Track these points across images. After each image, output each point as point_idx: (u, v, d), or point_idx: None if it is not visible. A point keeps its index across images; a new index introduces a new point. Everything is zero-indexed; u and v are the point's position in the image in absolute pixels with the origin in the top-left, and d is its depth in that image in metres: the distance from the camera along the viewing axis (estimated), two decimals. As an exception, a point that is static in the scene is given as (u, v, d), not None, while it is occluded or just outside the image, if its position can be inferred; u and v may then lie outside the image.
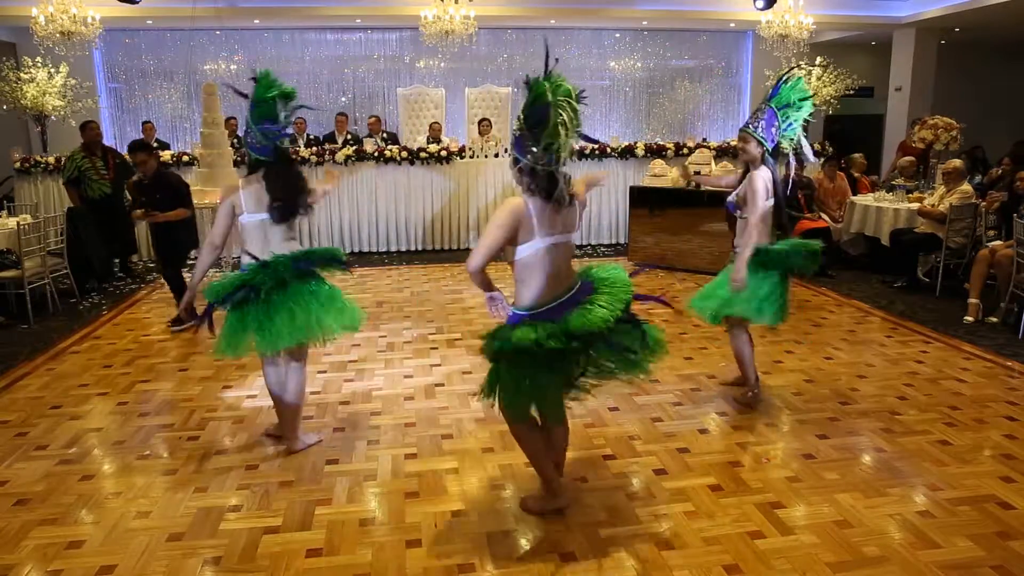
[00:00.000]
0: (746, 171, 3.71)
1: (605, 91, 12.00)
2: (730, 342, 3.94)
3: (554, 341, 2.45)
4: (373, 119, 9.86)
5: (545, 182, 2.48)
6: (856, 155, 8.91)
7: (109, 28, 9.36)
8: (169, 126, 11.17)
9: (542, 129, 2.39)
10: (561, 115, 2.37)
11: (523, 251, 2.52)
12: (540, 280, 2.54)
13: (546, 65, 2.44)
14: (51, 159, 8.49)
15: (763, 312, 3.64)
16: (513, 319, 2.58)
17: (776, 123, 3.59)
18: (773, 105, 3.59)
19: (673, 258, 7.55)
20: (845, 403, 3.98)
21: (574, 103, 2.42)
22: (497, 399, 2.65)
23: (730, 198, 3.75)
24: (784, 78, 3.62)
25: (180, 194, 5.50)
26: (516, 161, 2.51)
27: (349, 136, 9.60)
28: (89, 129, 7.20)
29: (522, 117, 2.45)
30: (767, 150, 3.60)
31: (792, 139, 3.66)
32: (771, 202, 3.64)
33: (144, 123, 9.50)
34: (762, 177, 3.59)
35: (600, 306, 2.52)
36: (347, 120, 9.82)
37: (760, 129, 3.58)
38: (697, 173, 3.86)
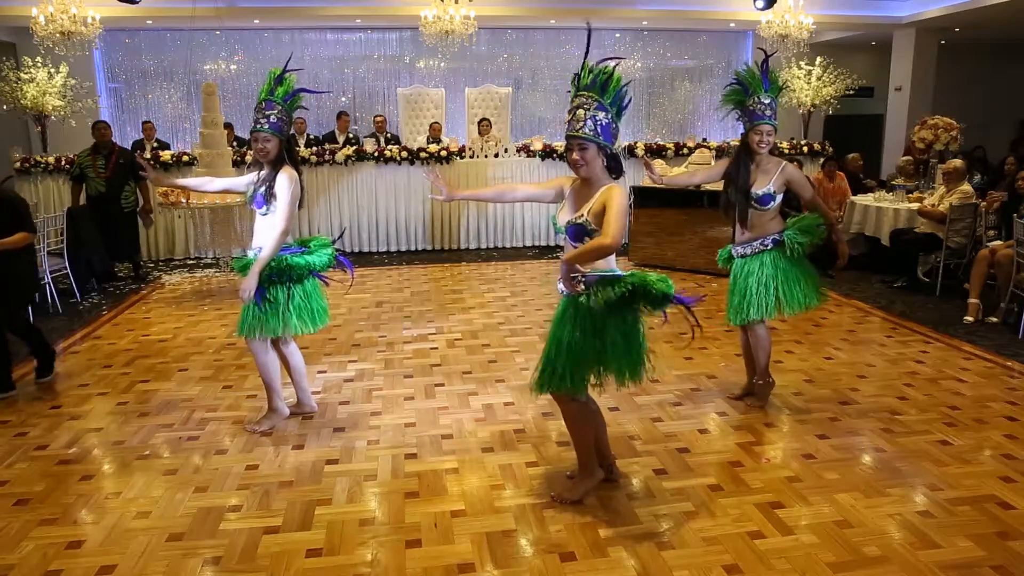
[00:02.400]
0: (739, 162, 3.65)
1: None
2: (752, 337, 3.81)
3: (665, 285, 2.57)
4: (380, 118, 9.87)
5: (617, 159, 2.71)
6: (852, 155, 8.91)
7: (109, 28, 9.36)
8: (169, 126, 11.17)
9: (624, 111, 2.66)
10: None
11: None
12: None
13: (586, 55, 2.67)
14: (51, 159, 8.50)
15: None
16: (594, 277, 2.64)
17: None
18: (773, 95, 3.60)
19: (673, 258, 7.55)
20: (845, 403, 3.98)
21: None
22: (567, 374, 2.69)
23: (765, 190, 3.60)
24: (764, 68, 3.60)
25: (20, 214, 4.31)
26: (603, 147, 2.62)
27: (350, 136, 9.60)
28: (96, 129, 7.35)
29: (611, 104, 2.61)
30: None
31: None
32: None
33: (144, 123, 9.51)
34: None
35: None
36: (348, 119, 9.81)
37: (774, 118, 3.59)
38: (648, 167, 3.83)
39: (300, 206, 3.54)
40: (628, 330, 2.69)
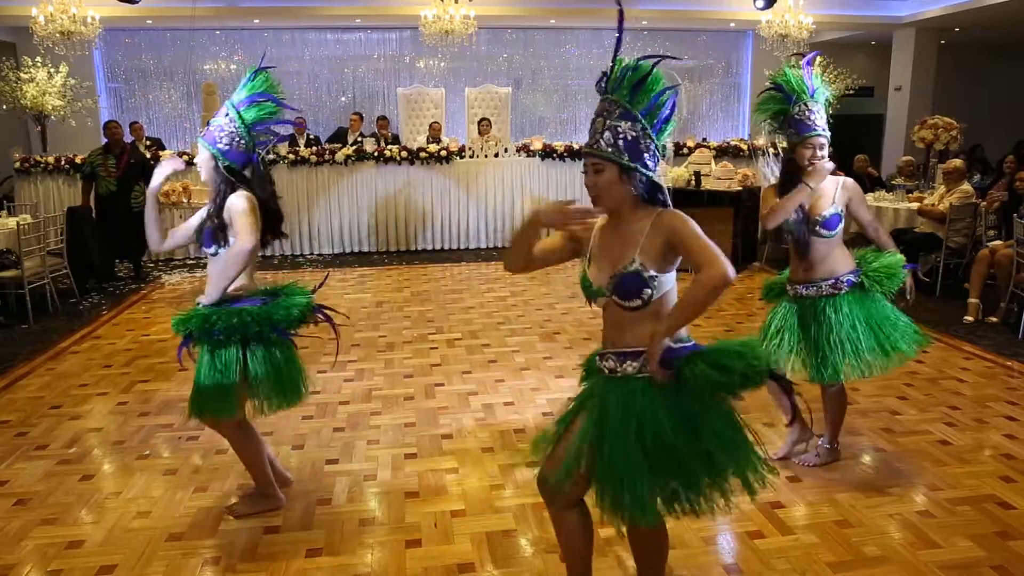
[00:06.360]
0: (791, 185, 3.02)
1: (605, 91, 12.01)
2: (833, 398, 3.23)
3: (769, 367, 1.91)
4: (382, 120, 9.88)
5: (660, 191, 1.97)
6: (859, 156, 8.90)
7: (109, 28, 9.36)
8: (169, 126, 11.18)
9: (667, 125, 1.96)
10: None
11: (672, 278, 1.97)
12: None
13: (618, 45, 1.96)
14: (51, 159, 8.49)
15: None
16: (679, 352, 1.91)
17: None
18: (820, 100, 3.05)
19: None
20: (845, 403, 3.97)
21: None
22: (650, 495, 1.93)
23: (831, 210, 3.03)
24: (808, 72, 3.04)
25: None
26: (628, 170, 1.91)
27: (360, 138, 9.58)
28: (107, 128, 7.43)
29: (639, 113, 1.92)
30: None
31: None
32: None
33: (132, 123, 9.37)
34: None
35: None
36: (361, 120, 9.79)
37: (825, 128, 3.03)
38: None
39: (263, 244, 2.83)
40: (727, 415, 1.94)
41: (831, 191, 3.06)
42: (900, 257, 3.10)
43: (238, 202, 2.68)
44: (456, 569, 2.54)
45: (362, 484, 3.14)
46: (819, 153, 2.99)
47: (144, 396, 4.22)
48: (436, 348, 5.03)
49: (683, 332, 1.96)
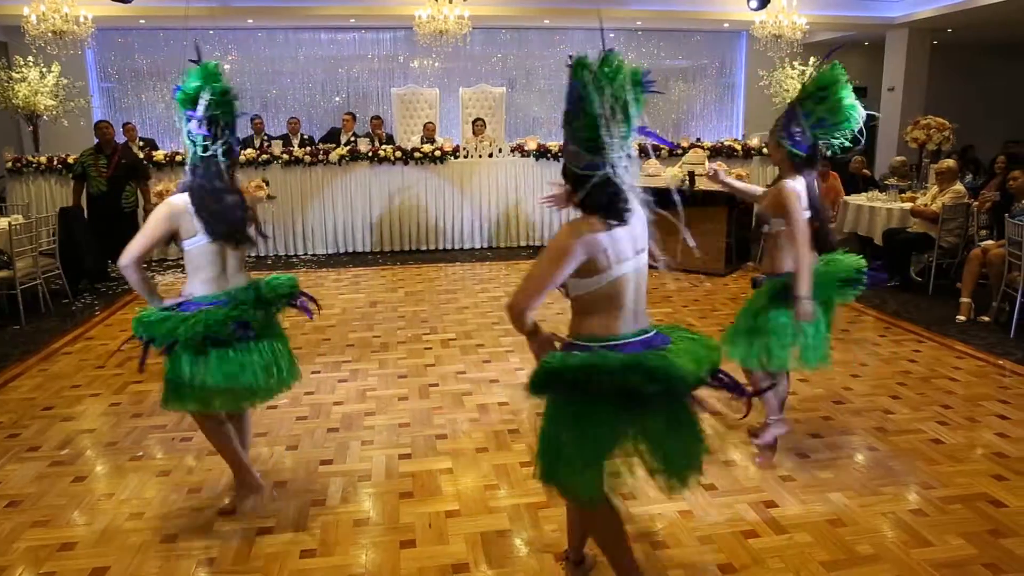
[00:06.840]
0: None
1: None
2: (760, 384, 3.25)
3: (636, 376, 1.87)
4: (376, 120, 9.88)
5: (599, 195, 1.93)
6: (856, 157, 8.93)
7: (102, 27, 9.34)
8: (162, 126, 11.16)
9: (579, 122, 1.88)
10: (600, 101, 1.83)
11: (590, 284, 1.99)
12: (610, 315, 2.03)
13: (603, 43, 1.93)
14: (43, 159, 8.46)
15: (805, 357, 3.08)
16: (571, 347, 2.05)
17: (797, 120, 3.00)
18: (806, 108, 3.00)
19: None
20: (838, 402, 3.99)
21: (626, 88, 1.84)
22: (556, 472, 2.02)
23: (759, 208, 3.27)
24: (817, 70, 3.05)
25: None
26: (565, 172, 2.01)
27: (354, 137, 9.57)
28: (98, 128, 7.39)
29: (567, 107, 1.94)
30: (794, 154, 3.03)
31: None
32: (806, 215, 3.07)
33: (124, 124, 9.35)
34: (793, 184, 3.03)
35: (683, 357, 1.98)
36: (354, 120, 9.79)
37: (780, 130, 3.07)
38: (700, 172, 3.39)
39: (234, 251, 2.85)
40: (600, 416, 1.95)
41: (772, 193, 3.15)
42: (776, 283, 3.09)
43: (156, 208, 2.69)
44: (451, 569, 2.54)
45: (356, 485, 3.14)
46: (769, 151, 3.20)
47: (137, 397, 4.20)
48: (430, 348, 5.02)
49: (611, 326, 2.01)
